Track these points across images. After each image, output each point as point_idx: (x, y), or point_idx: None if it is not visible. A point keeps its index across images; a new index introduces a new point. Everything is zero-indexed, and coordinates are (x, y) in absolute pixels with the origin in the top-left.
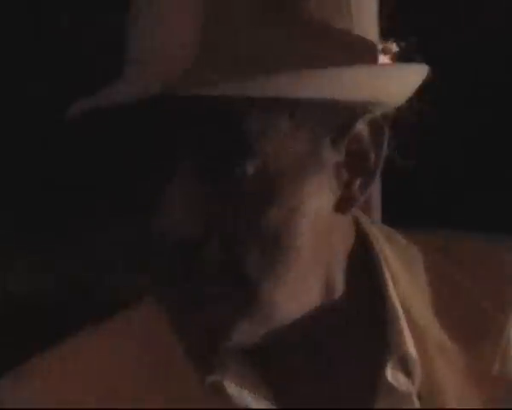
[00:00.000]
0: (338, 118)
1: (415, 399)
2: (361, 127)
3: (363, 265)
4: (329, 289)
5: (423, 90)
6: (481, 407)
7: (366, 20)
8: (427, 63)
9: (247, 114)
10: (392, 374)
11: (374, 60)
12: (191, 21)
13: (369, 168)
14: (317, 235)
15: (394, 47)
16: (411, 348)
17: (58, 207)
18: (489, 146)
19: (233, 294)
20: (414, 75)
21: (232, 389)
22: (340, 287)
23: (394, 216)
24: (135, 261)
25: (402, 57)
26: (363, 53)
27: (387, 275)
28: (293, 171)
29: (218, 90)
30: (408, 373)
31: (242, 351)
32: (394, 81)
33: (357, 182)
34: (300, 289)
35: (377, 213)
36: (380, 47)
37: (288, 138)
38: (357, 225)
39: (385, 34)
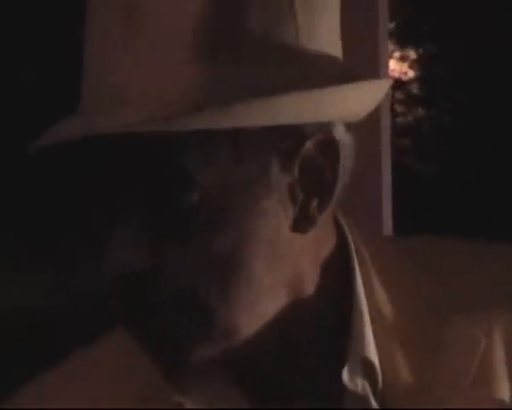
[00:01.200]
0: (285, 141)
1: (373, 402)
2: (311, 147)
3: (339, 270)
4: (299, 300)
5: (443, 99)
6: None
7: (319, 33)
8: (445, 68)
9: (186, 148)
10: (349, 377)
11: (327, 70)
12: (126, 60)
13: (326, 187)
14: (274, 256)
15: (412, 54)
16: (372, 353)
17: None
18: (509, 156)
19: (187, 322)
20: (370, 92)
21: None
22: (311, 296)
23: (406, 228)
24: None
25: (420, 64)
26: (314, 69)
27: (358, 279)
28: (240, 197)
29: (143, 127)
30: (369, 376)
31: (210, 365)
32: (343, 99)
33: (314, 202)
34: (260, 309)
35: (388, 224)
36: (398, 54)
37: (232, 166)
38: (338, 229)
39: (402, 41)
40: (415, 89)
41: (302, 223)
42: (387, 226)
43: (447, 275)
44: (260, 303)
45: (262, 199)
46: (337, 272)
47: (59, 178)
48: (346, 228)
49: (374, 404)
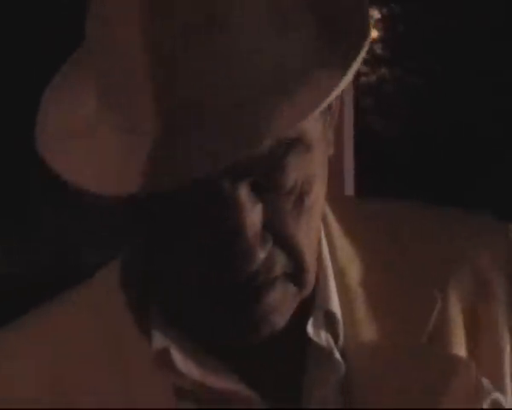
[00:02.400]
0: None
1: (337, 355)
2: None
3: None
4: None
5: (407, 59)
6: (401, 371)
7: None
8: (410, 29)
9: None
10: (313, 330)
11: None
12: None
13: (336, 105)
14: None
15: (376, 14)
16: (335, 306)
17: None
18: (472, 117)
19: (293, 289)
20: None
21: (178, 358)
22: None
23: (368, 188)
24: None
25: (384, 24)
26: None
27: (323, 234)
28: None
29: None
30: (331, 330)
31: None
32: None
33: (330, 124)
34: None
35: (349, 184)
36: None
37: (323, 131)
38: None
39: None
40: (378, 49)
41: (328, 145)
42: (349, 186)
43: (407, 239)
44: None
45: (324, 173)
46: None
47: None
48: None
49: (337, 355)
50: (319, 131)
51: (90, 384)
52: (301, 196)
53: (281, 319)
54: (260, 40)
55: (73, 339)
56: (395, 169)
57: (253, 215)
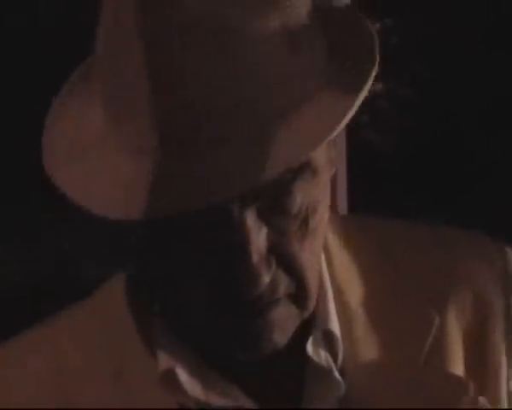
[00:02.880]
0: None
1: (336, 374)
2: None
3: None
4: None
5: (401, 72)
6: (400, 390)
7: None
8: (403, 41)
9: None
10: (313, 349)
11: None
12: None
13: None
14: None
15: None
16: (335, 326)
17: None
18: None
19: (295, 309)
20: None
21: (183, 377)
22: None
23: (362, 203)
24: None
25: (378, 37)
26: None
27: (323, 260)
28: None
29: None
30: (331, 349)
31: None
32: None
33: (332, 142)
34: None
35: (342, 201)
36: None
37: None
38: None
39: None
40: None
41: (331, 164)
42: (342, 204)
43: (403, 257)
44: None
45: (327, 188)
46: None
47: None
48: None
49: (336, 374)
50: (325, 154)
51: (93, 396)
52: (306, 219)
53: (282, 338)
54: (271, 52)
55: (78, 351)
56: (390, 184)
57: (259, 240)
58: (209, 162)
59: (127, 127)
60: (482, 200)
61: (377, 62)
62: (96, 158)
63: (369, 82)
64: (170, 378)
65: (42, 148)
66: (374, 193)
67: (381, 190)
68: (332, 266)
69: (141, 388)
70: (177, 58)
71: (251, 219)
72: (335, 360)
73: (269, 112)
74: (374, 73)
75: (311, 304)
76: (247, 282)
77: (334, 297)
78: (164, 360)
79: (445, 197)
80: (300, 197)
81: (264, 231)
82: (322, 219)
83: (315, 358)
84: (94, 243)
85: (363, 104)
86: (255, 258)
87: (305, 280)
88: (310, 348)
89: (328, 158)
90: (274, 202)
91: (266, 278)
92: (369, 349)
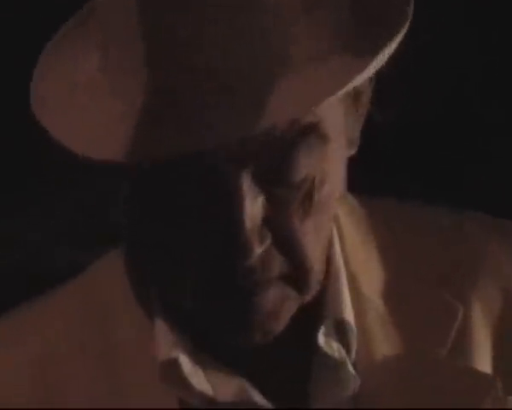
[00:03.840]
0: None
1: (350, 367)
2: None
3: None
4: None
5: (403, 39)
6: (419, 387)
7: None
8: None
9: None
10: (324, 340)
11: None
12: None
13: (365, 102)
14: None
15: None
16: (349, 314)
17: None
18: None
19: (292, 291)
20: None
21: (188, 368)
22: None
23: (362, 184)
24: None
25: None
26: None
27: (336, 237)
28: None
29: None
30: (343, 340)
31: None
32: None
33: (357, 121)
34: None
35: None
36: None
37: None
38: None
39: None
40: None
41: (351, 144)
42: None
43: (423, 244)
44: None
45: (340, 149)
46: None
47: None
48: None
49: (350, 368)
50: (339, 123)
51: (81, 383)
52: (310, 193)
53: (275, 324)
54: (286, 18)
55: (67, 333)
56: (393, 162)
57: (254, 208)
58: (199, 109)
59: (123, 73)
60: (493, 180)
61: (406, 23)
62: (85, 98)
63: (390, 46)
64: (171, 370)
65: (31, 92)
66: (373, 175)
67: (382, 171)
68: (346, 251)
69: (136, 381)
70: (192, 24)
71: (247, 183)
72: (349, 352)
73: (273, 69)
74: (400, 34)
75: (312, 289)
76: (237, 249)
77: (348, 284)
78: (165, 349)
79: (453, 179)
80: (304, 166)
81: (261, 200)
82: (329, 198)
83: (327, 349)
84: (65, 230)
85: None
86: (247, 225)
87: (305, 261)
88: (321, 338)
89: (345, 131)
90: (274, 169)
91: (258, 249)
92: (385, 341)
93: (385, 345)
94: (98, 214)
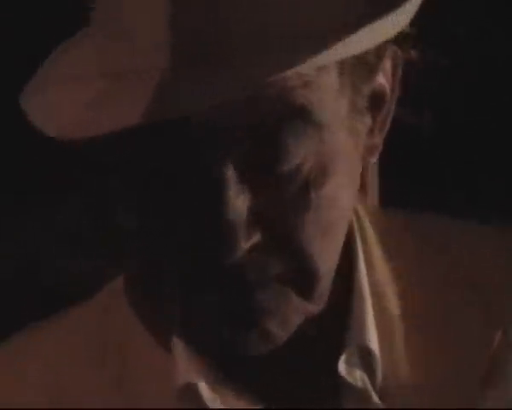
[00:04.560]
0: (366, 60)
1: (374, 396)
2: (387, 63)
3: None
4: None
5: (441, 38)
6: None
7: None
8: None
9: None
10: (346, 367)
11: None
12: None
13: (387, 107)
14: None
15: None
16: (373, 340)
17: None
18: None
19: (293, 292)
20: None
21: (207, 394)
22: None
23: (394, 197)
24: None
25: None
26: None
27: (360, 250)
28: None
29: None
30: (367, 367)
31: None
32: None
33: (377, 127)
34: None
35: (373, 189)
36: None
37: (337, 98)
38: None
39: None
40: (406, 27)
41: (368, 154)
42: (373, 192)
43: (454, 262)
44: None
45: (350, 134)
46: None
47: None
48: None
49: (375, 398)
50: (342, 117)
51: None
52: (307, 185)
53: (276, 328)
54: None
55: (72, 364)
56: (427, 169)
57: (239, 199)
58: (190, 69)
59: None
60: None
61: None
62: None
63: (401, 12)
64: (189, 394)
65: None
66: (406, 183)
67: (415, 179)
68: (372, 266)
69: (155, 406)
70: None
71: (230, 173)
72: (373, 381)
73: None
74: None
75: (319, 296)
76: (222, 241)
77: (373, 305)
78: (182, 371)
79: (488, 184)
80: (293, 154)
81: (248, 193)
82: (335, 193)
83: (349, 379)
84: (63, 235)
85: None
86: (230, 217)
87: (307, 262)
88: (342, 366)
89: (355, 133)
90: (261, 156)
91: (244, 245)
92: (411, 368)
93: (413, 372)
94: (102, 218)
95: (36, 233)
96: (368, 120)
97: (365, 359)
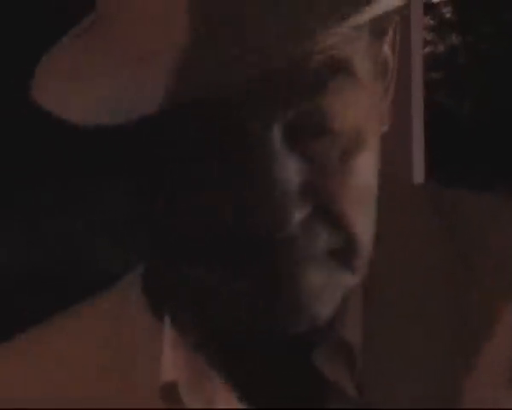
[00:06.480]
0: (381, 25)
1: (351, 392)
2: (390, 31)
3: None
4: None
5: (481, 24)
6: None
7: None
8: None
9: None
10: (321, 358)
11: None
12: None
13: (390, 75)
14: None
15: None
16: (354, 334)
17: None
18: None
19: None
20: None
21: (185, 391)
22: None
23: (439, 172)
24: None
25: None
26: None
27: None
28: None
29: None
30: (346, 360)
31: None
32: None
33: (384, 94)
34: None
35: (419, 168)
36: None
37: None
38: None
39: None
40: (448, 12)
41: (381, 118)
42: (419, 171)
43: (488, 238)
44: None
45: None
46: None
47: None
48: None
49: (351, 392)
50: (369, 73)
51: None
52: (350, 147)
53: (323, 308)
54: None
55: (79, 364)
56: (469, 153)
57: (289, 169)
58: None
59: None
60: None
61: None
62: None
63: None
64: (171, 392)
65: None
66: (452, 164)
67: (460, 159)
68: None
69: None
70: None
71: (281, 141)
72: (352, 373)
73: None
74: None
75: (363, 265)
76: (271, 218)
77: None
78: (167, 369)
79: None
80: (338, 113)
81: (297, 162)
82: (370, 156)
83: (325, 370)
84: (105, 222)
85: (437, 61)
86: (282, 188)
87: (352, 232)
88: (318, 357)
89: (372, 84)
90: (306, 117)
91: (297, 215)
92: (394, 359)
93: (394, 364)
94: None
95: (76, 224)
96: (380, 85)
97: (344, 351)
